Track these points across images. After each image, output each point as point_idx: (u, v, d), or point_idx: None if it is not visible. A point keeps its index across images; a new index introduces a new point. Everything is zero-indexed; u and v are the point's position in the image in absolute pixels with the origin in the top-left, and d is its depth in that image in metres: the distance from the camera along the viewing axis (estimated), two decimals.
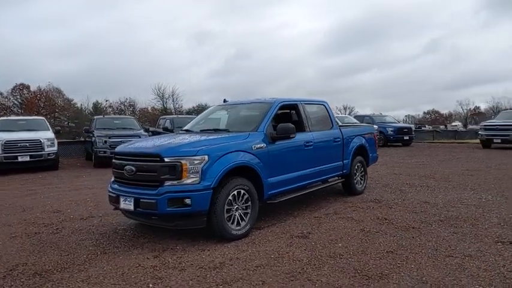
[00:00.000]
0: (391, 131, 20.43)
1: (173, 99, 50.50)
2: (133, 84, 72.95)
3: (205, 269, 3.61)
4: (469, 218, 5.24)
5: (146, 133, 13.57)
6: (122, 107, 50.76)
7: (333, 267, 3.61)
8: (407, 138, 20.93)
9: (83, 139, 17.53)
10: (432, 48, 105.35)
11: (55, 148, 12.15)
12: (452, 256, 3.80)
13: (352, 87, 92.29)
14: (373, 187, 7.84)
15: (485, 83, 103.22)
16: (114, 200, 4.58)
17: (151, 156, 4.26)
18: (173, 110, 49.05)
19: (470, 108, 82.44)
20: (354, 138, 6.99)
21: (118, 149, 4.86)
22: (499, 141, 16.62)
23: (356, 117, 22.62)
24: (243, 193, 4.54)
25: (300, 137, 5.54)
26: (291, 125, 5.06)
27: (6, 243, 4.60)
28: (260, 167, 4.74)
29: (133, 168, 4.32)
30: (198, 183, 4.13)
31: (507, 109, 23.63)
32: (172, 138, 4.93)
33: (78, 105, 51.26)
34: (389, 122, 21.70)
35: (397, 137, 20.41)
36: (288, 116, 5.91)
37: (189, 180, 4.12)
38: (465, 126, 64.51)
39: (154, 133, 14.87)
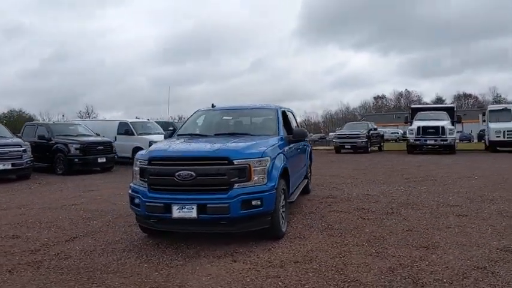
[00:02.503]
0: None
1: None
2: None
3: (303, 263, 3.82)
4: (415, 203, 6.76)
5: (28, 143, 11.31)
6: None
7: (392, 245, 4.35)
8: None
9: None
10: (258, 66, 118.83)
11: None
12: (450, 227, 5.05)
13: (184, 98, 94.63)
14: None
15: (298, 100, 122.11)
16: (160, 210, 4.16)
17: (218, 159, 4.13)
18: None
19: None
20: (306, 143, 7.91)
21: (158, 153, 4.39)
22: (349, 147, 20.52)
23: None
24: (283, 193, 4.82)
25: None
26: (304, 130, 5.59)
27: (15, 279, 3.60)
28: (289, 168, 5.10)
29: (193, 173, 4.08)
30: (264, 184, 4.24)
31: (351, 121, 28.98)
32: (216, 141, 4.74)
33: None
34: None
35: None
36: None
37: (257, 181, 4.20)
38: None
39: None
